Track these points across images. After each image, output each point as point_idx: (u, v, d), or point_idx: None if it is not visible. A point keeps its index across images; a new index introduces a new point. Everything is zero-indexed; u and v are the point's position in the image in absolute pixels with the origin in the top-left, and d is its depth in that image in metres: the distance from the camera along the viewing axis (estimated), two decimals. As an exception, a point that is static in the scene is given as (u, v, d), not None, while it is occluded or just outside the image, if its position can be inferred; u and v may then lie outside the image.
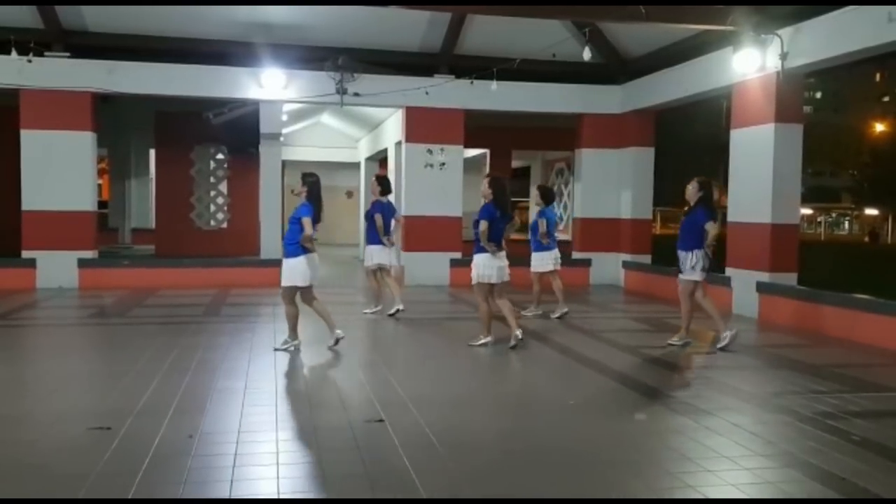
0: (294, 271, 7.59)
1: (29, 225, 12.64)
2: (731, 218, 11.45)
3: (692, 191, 8.25)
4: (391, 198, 10.46)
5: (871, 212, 57.05)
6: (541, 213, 10.39)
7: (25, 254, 12.69)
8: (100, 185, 18.06)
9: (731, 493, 4.08)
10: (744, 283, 10.79)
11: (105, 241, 17.38)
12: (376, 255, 10.16)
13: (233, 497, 3.91)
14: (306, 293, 7.79)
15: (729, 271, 11.24)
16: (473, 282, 7.99)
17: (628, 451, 4.77)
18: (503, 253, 7.97)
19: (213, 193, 17.55)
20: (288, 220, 7.79)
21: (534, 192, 10.63)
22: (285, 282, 7.67)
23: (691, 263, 8.16)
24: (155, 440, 4.71)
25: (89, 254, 13.03)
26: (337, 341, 7.81)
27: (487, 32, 13.23)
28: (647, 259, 14.52)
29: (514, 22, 12.44)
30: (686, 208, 8.37)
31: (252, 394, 5.96)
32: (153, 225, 19.46)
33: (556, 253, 10.40)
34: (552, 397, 6.22)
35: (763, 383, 6.80)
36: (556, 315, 10.26)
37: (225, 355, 7.45)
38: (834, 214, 63.98)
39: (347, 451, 4.62)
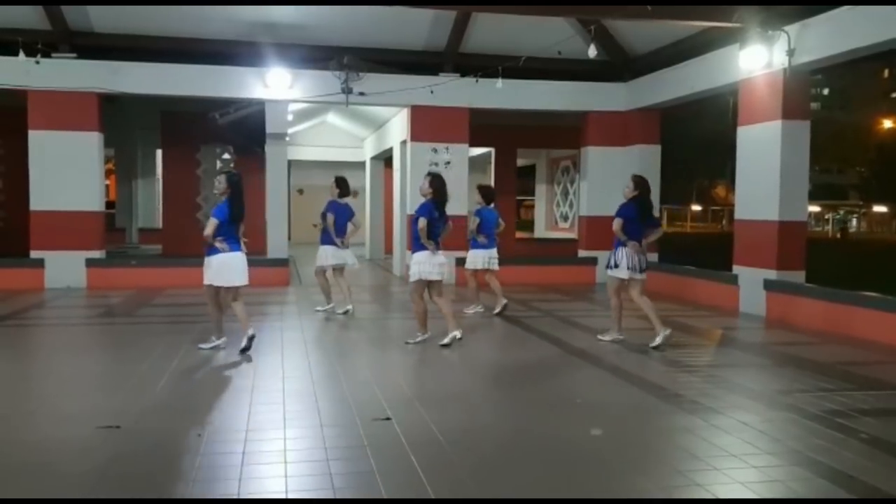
0: (213, 269, 7.45)
1: (37, 225, 12.69)
2: (738, 215, 11.43)
3: (628, 190, 8.25)
4: (349, 200, 10.47)
5: (880, 209, 56.88)
6: (476, 212, 10.54)
7: (34, 254, 12.74)
8: (107, 186, 18.07)
9: (739, 491, 4.07)
10: (751, 280, 10.77)
11: (112, 241, 17.43)
12: (331, 255, 10.19)
13: (241, 497, 3.92)
14: (227, 293, 7.60)
15: (736, 269, 11.22)
16: (412, 280, 7.97)
17: (636, 449, 4.76)
18: (440, 252, 7.96)
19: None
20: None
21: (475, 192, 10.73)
22: (214, 280, 7.48)
23: (617, 260, 8.14)
24: (164, 439, 4.73)
25: (97, 254, 13.08)
26: (216, 348, 7.59)
27: (492, 30, 13.23)
28: (653, 257, 14.48)
29: (518, 20, 12.45)
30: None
31: (260, 392, 5.97)
32: (160, 225, 19.52)
33: (492, 252, 10.49)
34: (558, 395, 6.22)
35: (771, 381, 6.79)
36: (497, 310, 10.39)
37: (232, 354, 7.45)
38: (841, 212, 63.77)
39: (355, 448, 4.63)
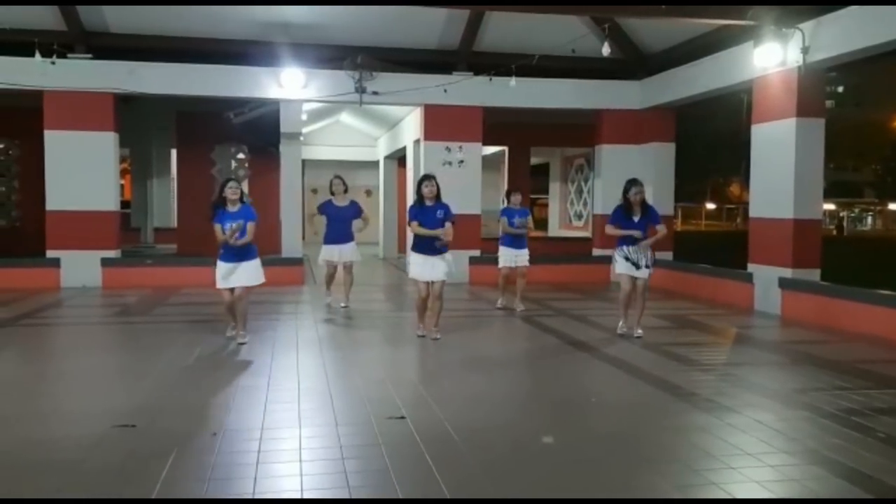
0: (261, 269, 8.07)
1: (53, 225, 12.79)
2: (752, 213, 11.37)
3: (644, 191, 8.53)
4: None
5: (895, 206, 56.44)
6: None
7: (50, 253, 12.84)
8: (122, 185, 18.19)
9: (755, 490, 4.06)
10: (766, 278, 10.71)
11: (128, 241, 17.51)
12: (356, 252, 10.68)
13: (256, 496, 3.94)
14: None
15: (751, 267, 11.17)
16: (449, 279, 8.38)
17: (650, 448, 4.75)
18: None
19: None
20: (246, 222, 7.82)
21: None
22: (262, 279, 8.05)
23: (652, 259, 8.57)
24: (179, 438, 4.76)
25: (112, 253, 13.16)
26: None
27: (506, 29, 13.21)
28: (668, 256, 14.43)
29: (532, 18, 12.44)
30: (635, 206, 8.48)
31: (275, 391, 6.00)
32: (175, 224, 19.61)
33: None
34: (573, 394, 6.22)
35: (786, 380, 6.75)
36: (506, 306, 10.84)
37: (248, 353, 7.50)
38: (857, 209, 63.31)
39: (370, 447, 4.64)
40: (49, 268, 12.76)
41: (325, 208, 10.55)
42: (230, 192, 7.83)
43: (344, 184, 10.56)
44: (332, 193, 10.53)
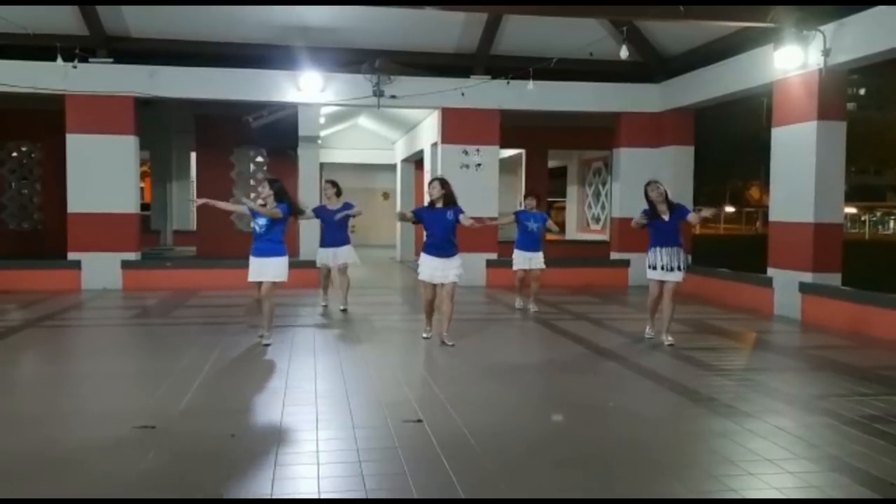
0: (286, 267, 8.07)
1: (74, 227, 12.91)
2: (772, 217, 11.29)
3: (660, 188, 8.38)
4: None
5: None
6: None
7: (71, 256, 12.96)
8: (142, 188, 18.30)
9: (775, 497, 4.02)
10: (786, 283, 10.63)
11: (147, 243, 17.63)
12: (351, 254, 10.62)
13: (274, 497, 3.95)
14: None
15: (771, 271, 11.08)
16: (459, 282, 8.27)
17: (669, 454, 4.73)
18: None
19: (252, 195, 17.70)
20: (269, 220, 8.01)
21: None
22: (284, 277, 8.04)
23: (684, 261, 8.42)
24: (198, 439, 4.78)
25: (132, 255, 13.26)
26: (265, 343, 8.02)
27: (523, 32, 13.20)
28: (687, 260, 14.34)
29: (550, 21, 12.41)
30: (661, 207, 8.36)
31: (293, 394, 6.02)
32: (194, 227, 19.71)
33: None
34: (590, 398, 6.19)
35: (806, 385, 6.69)
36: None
37: (266, 355, 7.53)
38: (878, 213, 62.60)
39: (386, 450, 4.65)
40: (70, 270, 12.88)
41: (318, 212, 10.60)
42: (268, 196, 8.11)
43: (334, 187, 10.62)
44: (327, 198, 10.64)
